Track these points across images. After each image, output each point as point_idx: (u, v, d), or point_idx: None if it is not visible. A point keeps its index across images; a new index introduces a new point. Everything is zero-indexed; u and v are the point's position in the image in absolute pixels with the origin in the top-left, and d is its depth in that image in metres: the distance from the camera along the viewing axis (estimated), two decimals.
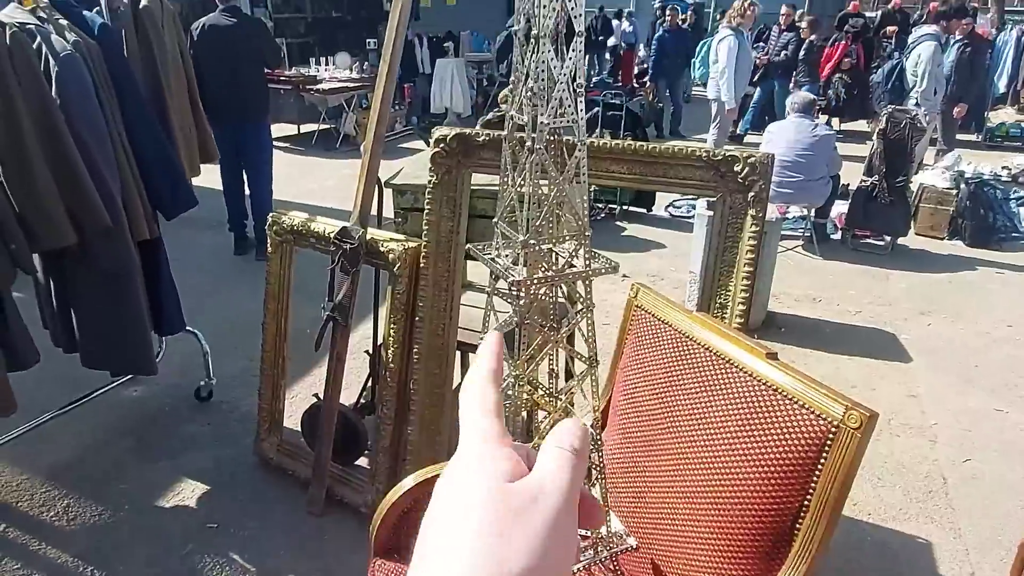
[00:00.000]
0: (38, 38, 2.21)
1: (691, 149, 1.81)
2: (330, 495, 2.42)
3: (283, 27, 11.29)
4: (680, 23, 9.34)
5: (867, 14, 9.70)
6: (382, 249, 2.21)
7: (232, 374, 3.27)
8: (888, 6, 10.14)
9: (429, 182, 2.10)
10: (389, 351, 2.24)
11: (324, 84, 8.21)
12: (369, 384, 2.78)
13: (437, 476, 1.29)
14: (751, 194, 1.76)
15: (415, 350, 2.20)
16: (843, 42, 8.47)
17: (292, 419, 2.81)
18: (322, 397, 2.47)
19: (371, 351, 3.02)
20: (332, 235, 2.27)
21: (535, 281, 0.98)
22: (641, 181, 1.89)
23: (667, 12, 9.17)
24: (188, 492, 2.54)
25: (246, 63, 4.64)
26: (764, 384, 1.22)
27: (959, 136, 7.41)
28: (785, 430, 1.17)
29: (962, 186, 5.37)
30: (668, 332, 1.44)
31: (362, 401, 2.73)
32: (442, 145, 2.06)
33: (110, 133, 2.37)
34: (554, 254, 1.01)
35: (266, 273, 2.54)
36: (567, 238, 1.00)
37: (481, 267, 2.17)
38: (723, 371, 1.29)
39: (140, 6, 2.79)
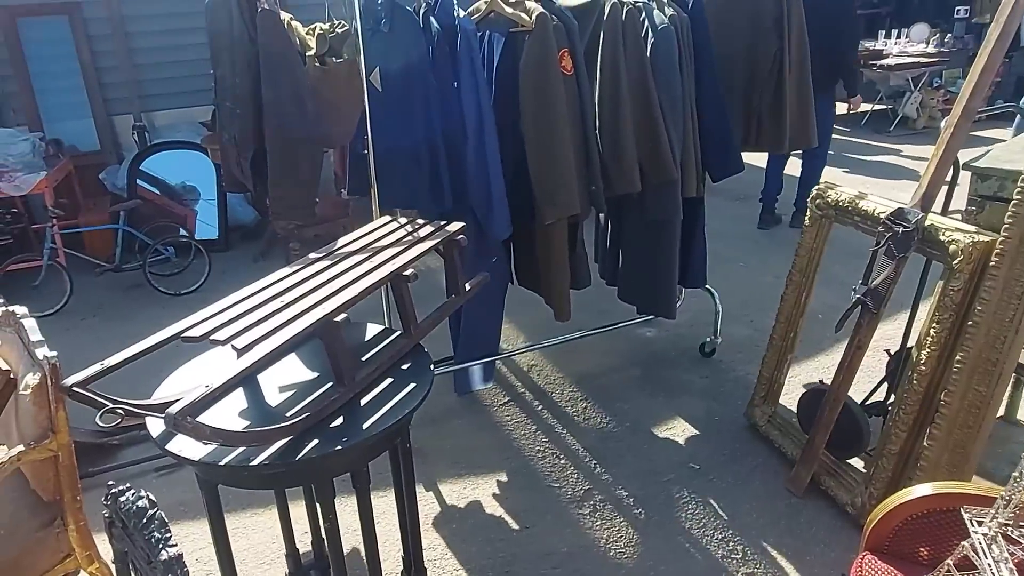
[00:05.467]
0: (643, 13, 2.56)
1: None
2: (814, 481, 2.32)
3: None
4: None
5: None
6: (942, 238, 1.93)
7: (736, 338, 3.37)
8: None
9: None
10: (923, 351, 1.98)
11: (890, 59, 7.42)
12: (884, 384, 2.53)
13: (961, 494, 1.09)
14: None
15: (958, 358, 1.90)
16: None
17: (787, 397, 2.76)
18: (828, 382, 2.35)
19: (892, 351, 2.73)
20: (884, 215, 2.09)
21: None
22: None
23: None
24: (678, 429, 2.75)
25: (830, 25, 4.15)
26: None
27: None
28: None
29: None
30: None
31: (871, 400, 2.50)
32: None
33: (683, 98, 2.63)
34: None
35: (797, 245, 2.51)
36: None
37: None
38: None
39: None
